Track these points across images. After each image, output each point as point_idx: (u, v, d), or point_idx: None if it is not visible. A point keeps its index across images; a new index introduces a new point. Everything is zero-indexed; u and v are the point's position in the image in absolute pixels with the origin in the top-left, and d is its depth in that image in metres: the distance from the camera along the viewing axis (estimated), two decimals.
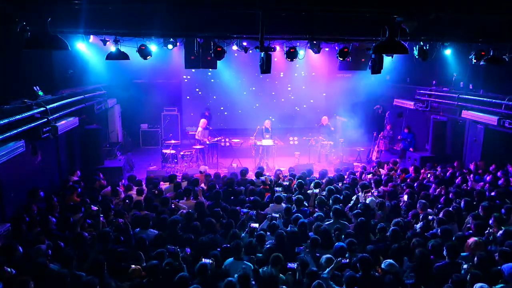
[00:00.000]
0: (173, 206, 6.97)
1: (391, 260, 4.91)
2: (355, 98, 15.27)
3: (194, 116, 14.76)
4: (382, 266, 4.83)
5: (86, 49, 9.08)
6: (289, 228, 6.05)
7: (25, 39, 6.09)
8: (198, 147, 12.25)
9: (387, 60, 13.06)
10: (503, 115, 9.32)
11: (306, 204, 7.31)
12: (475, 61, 8.98)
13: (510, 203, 7.01)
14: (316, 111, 15.76)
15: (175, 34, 8.13)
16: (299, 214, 6.41)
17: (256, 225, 6.00)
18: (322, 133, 13.13)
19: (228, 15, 7.01)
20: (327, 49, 11.64)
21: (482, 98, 10.18)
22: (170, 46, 8.60)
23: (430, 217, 6.41)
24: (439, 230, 5.79)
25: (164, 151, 11.84)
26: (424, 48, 8.93)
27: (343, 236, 5.73)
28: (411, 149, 12.90)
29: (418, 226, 6.26)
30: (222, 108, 15.51)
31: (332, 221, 6.32)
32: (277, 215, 6.33)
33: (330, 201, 7.15)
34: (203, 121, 12.78)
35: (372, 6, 5.85)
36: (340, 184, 8.58)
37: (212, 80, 15.15)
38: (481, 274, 4.58)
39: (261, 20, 6.31)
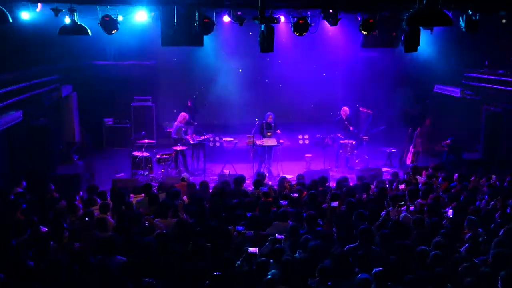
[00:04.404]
0: (147, 224, 6.97)
1: None
2: (384, 83, 15.27)
3: (176, 110, 14.70)
4: None
5: (32, 21, 9.05)
6: (297, 254, 6.04)
7: None
8: (179, 148, 12.25)
9: (425, 35, 13.04)
10: None
11: (321, 223, 7.33)
12: None
13: None
14: (334, 101, 15.76)
15: (149, 1, 8.13)
16: (309, 236, 6.40)
17: (255, 249, 5.99)
18: (341, 129, 13.14)
19: None
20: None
21: None
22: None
23: (480, 238, 6.41)
24: (491, 255, 5.79)
25: (135, 154, 11.84)
26: (474, 18, 8.94)
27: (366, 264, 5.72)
28: None
29: (463, 249, 6.26)
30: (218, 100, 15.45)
31: (356, 244, 6.33)
32: (282, 237, 6.33)
33: (352, 218, 7.15)
34: (181, 115, 12.86)
35: None
36: (364, 196, 8.60)
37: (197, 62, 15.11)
38: None
39: None
